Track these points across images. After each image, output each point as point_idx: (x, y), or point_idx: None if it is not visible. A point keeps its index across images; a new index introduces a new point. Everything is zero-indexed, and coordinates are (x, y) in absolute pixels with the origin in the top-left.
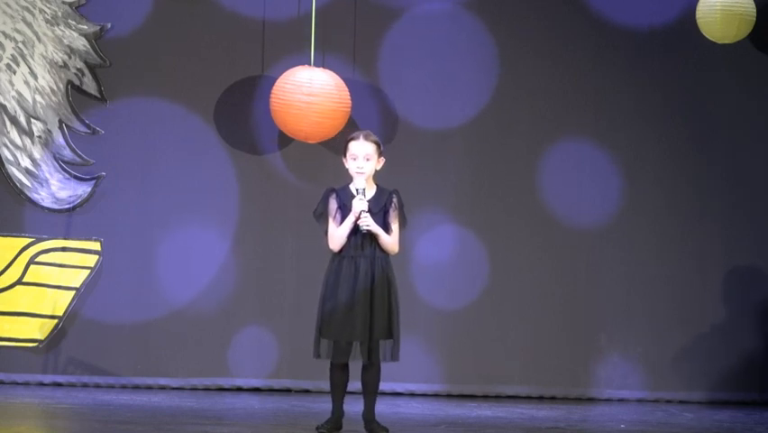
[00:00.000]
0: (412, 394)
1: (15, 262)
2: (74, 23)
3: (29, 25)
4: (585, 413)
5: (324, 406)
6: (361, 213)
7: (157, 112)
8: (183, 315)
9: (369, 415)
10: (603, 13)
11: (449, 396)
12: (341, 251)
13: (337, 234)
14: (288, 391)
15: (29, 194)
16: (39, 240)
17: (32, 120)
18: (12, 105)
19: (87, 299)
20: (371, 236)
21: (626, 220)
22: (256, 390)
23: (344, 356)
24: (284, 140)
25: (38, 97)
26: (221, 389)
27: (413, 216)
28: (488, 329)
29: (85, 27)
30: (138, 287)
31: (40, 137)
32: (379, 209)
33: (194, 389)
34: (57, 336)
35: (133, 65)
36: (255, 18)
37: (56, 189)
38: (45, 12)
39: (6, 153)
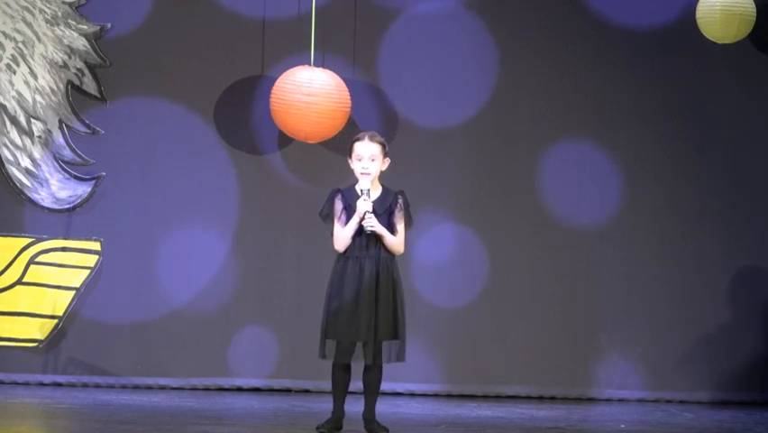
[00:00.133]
0: (412, 394)
1: (15, 262)
2: (74, 23)
3: (29, 25)
4: (585, 413)
5: (324, 406)
6: (365, 214)
7: (157, 112)
8: (183, 315)
9: (369, 415)
10: (603, 14)
11: (449, 396)
12: (346, 252)
13: (342, 235)
14: (288, 391)
15: (29, 194)
16: (39, 240)
17: (32, 120)
18: (12, 105)
19: (87, 299)
20: (376, 237)
21: (626, 220)
22: (256, 390)
23: (347, 357)
24: (284, 140)
25: (38, 97)
26: (221, 389)
27: (413, 215)
28: (488, 329)
29: (85, 27)
30: (138, 287)
31: (40, 137)
32: (384, 210)
33: (194, 389)
34: (57, 336)
35: (133, 65)
36: (255, 18)
37: (56, 189)
38: (45, 12)
39: (6, 153)
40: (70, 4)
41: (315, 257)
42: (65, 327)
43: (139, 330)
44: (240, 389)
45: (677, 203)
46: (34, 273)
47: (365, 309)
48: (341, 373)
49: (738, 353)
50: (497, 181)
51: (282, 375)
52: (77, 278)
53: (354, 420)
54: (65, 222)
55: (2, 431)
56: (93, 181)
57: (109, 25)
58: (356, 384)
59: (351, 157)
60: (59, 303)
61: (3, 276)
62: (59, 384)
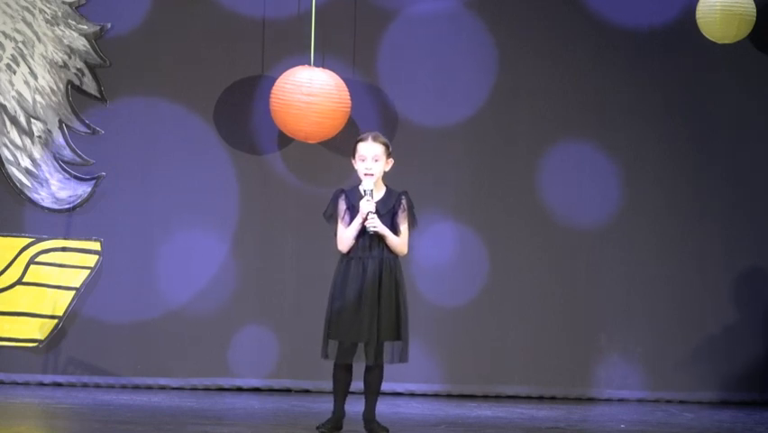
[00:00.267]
0: (412, 394)
1: (15, 262)
2: (74, 22)
3: (29, 25)
4: (585, 413)
5: (324, 406)
6: (368, 214)
7: (157, 112)
8: (183, 315)
9: (369, 415)
10: (603, 14)
11: (449, 396)
12: (349, 252)
13: (345, 236)
14: (288, 391)
15: (29, 194)
16: (39, 240)
17: (32, 120)
18: (12, 105)
19: (87, 299)
20: (379, 237)
21: (626, 220)
22: (256, 390)
23: (349, 357)
24: (284, 140)
25: (38, 97)
26: (221, 389)
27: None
28: (488, 329)
29: (85, 27)
30: (138, 287)
31: (40, 137)
32: (387, 211)
33: (194, 389)
34: (57, 336)
35: (133, 65)
36: (255, 18)
37: (56, 189)
38: (45, 12)
39: (6, 153)
40: (70, 4)
41: (315, 257)
42: (65, 326)
43: (139, 330)
44: (240, 389)
45: (677, 203)
46: (34, 273)
47: (367, 310)
48: (342, 373)
49: (738, 353)
50: (497, 181)
51: (282, 375)
52: (77, 278)
53: (354, 420)
54: (65, 222)
55: (2, 431)
56: (93, 181)
57: (109, 25)
58: (356, 384)
59: (354, 157)
60: (59, 303)
61: (3, 276)
62: (59, 384)
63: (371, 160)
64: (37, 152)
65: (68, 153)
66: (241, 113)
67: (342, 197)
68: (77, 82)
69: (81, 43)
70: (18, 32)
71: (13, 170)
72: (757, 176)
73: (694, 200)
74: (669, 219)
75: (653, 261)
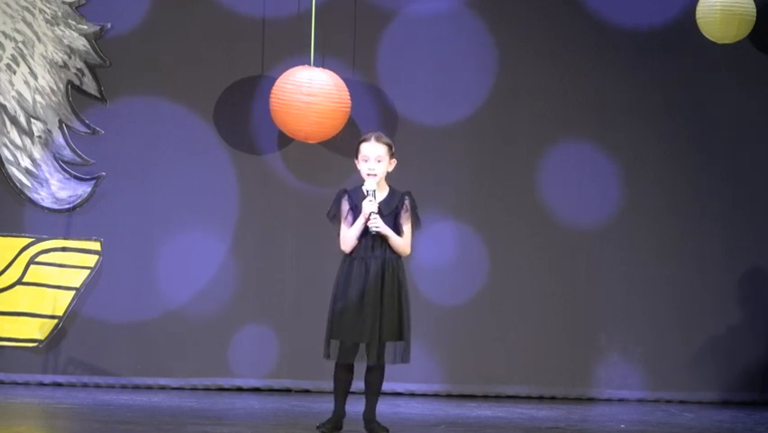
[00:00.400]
0: (412, 394)
1: (15, 262)
2: (74, 23)
3: (29, 25)
4: (585, 413)
5: (324, 406)
6: (370, 214)
7: (157, 112)
8: (183, 315)
9: (369, 415)
10: (603, 14)
11: (449, 396)
12: (352, 252)
13: (348, 236)
14: (288, 391)
15: (29, 194)
16: (39, 240)
17: (32, 120)
18: (12, 105)
19: (87, 298)
20: (382, 238)
21: (626, 220)
22: (256, 390)
23: (350, 357)
24: (284, 140)
25: (38, 97)
26: (221, 389)
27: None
28: (488, 329)
29: (85, 27)
30: (138, 287)
31: (40, 137)
32: (390, 211)
33: (194, 389)
34: (57, 336)
35: (133, 65)
36: (255, 18)
37: (56, 189)
38: (45, 12)
39: (6, 153)
40: (70, 4)
41: (315, 257)
42: (65, 326)
43: (139, 330)
44: (240, 389)
45: (677, 203)
46: (34, 273)
47: (369, 310)
48: (343, 373)
49: (739, 353)
50: (497, 181)
51: (282, 375)
52: (77, 278)
53: (354, 420)
54: (65, 222)
55: (2, 431)
56: (93, 181)
57: (109, 25)
58: (357, 384)
59: (357, 158)
60: (59, 303)
61: (3, 276)
62: (59, 384)
63: (374, 160)
64: (37, 152)
65: (68, 153)
66: (241, 113)
67: (346, 197)
68: (77, 82)
69: (81, 43)
70: (18, 32)
71: (13, 170)
72: (757, 176)
73: (694, 200)
74: (669, 219)
75: (653, 261)
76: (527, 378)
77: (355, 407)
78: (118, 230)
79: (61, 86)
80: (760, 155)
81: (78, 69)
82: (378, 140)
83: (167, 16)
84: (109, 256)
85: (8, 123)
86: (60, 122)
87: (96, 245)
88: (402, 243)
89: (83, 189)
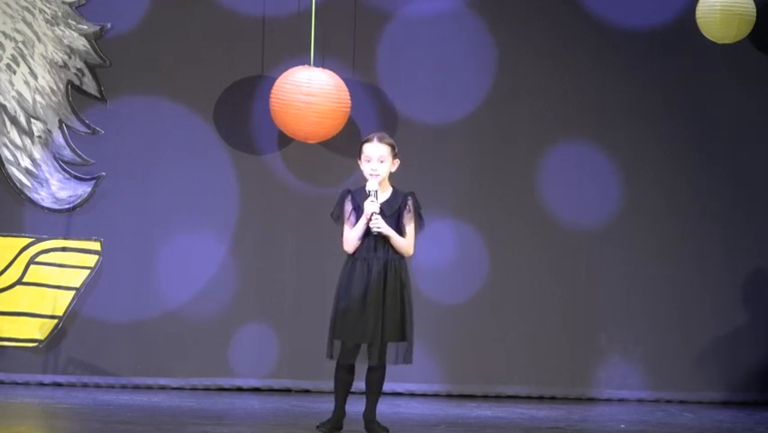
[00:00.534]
0: (412, 394)
1: (15, 262)
2: (74, 23)
3: (29, 25)
4: (585, 413)
5: (324, 406)
6: (372, 215)
7: (157, 112)
8: (183, 315)
9: (369, 415)
10: (603, 14)
11: (449, 396)
12: (355, 253)
13: (350, 236)
14: (288, 391)
15: (29, 194)
16: (39, 240)
17: (32, 120)
18: (12, 105)
19: (87, 298)
20: (384, 238)
21: (626, 220)
22: (256, 390)
23: (352, 357)
24: (284, 140)
25: (38, 97)
26: (221, 389)
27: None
28: (488, 329)
29: (85, 27)
30: (138, 287)
31: (40, 137)
32: (392, 212)
33: (194, 389)
34: (57, 336)
35: (133, 65)
36: (255, 18)
37: (56, 189)
38: (45, 12)
39: (6, 153)
40: (70, 4)
41: (315, 257)
42: (65, 326)
43: (139, 330)
44: (240, 389)
45: (677, 203)
46: (34, 273)
47: (372, 311)
48: (344, 373)
49: (739, 353)
50: (497, 181)
51: (282, 375)
52: (77, 278)
53: (354, 420)
54: (65, 222)
55: (2, 431)
56: (93, 181)
57: (109, 25)
58: (357, 384)
59: (360, 158)
60: (59, 303)
61: (3, 276)
62: (59, 384)
63: (377, 161)
64: (37, 152)
65: (68, 153)
66: (241, 113)
67: (349, 197)
68: (77, 82)
69: (81, 43)
70: (18, 32)
71: (13, 170)
72: (757, 176)
73: (694, 200)
74: (669, 219)
75: (653, 261)
76: (527, 378)
77: (355, 407)
78: (118, 230)
79: (61, 86)
80: (760, 155)
81: (78, 69)
82: (381, 140)
83: (167, 16)
84: (109, 256)
85: (8, 123)
86: (60, 122)
87: (96, 245)
88: (405, 243)
89: (83, 189)
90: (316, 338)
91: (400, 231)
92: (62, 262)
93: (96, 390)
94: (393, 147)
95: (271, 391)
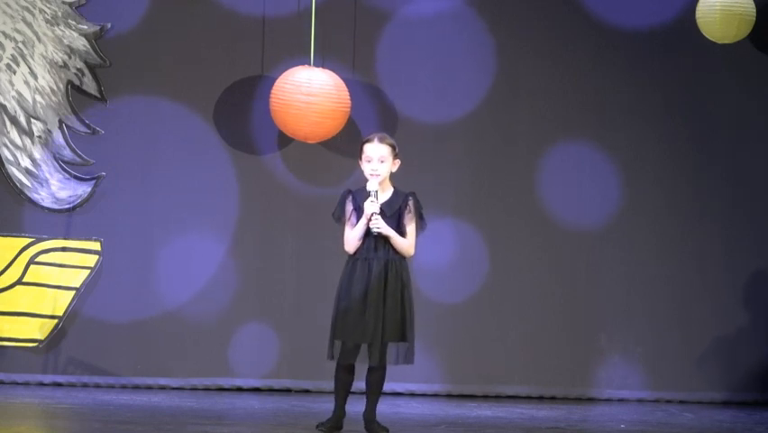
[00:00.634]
0: (412, 394)
1: (15, 262)
2: (74, 23)
3: (29, 25)
4: (585, 413)
5: (324, 406)
6: (372, 215)
7: (157, 112)
8: (183, 315)
9: (370, 415)
10: (603, 14)
11: (449, 396)
12: (355, 253)
13: (351, 237)
14: (288, 391)
15: (29, 194)
16: (39, 240)
17: (32, 120)
18: (12, 105)
19: (87, 298)
20: (385, 239)
21: (626, 220)
22: (256, 390)
23: (352, 357)
24: (284, 140)
25: (38, 97)
26: (221, 389)
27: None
28: (488, 329)
29: (85, 27)
30: (138, 287)
31: (40, 137)
32: (393, 212)
33: (194, 389)
34: (57, 336)
35: (133, 65)
36: (255, 18)
37: (56, 189)
38: (45, 12)
39: (6, 153)
40: (70, 4)
41: (315, 257)
42: (65, 326)
43: (139, 330)
44: (240, 389)
45: (677, 203)
46: (34, 273)
47: (372, 311)
48: (344, 373)
49: (739, 353)
50: (497, 181)
51: (282, 375)
52: (77, 278)
53: (354, 420)
54: (65, 222)
55: (2, 431)
56: (93, 181)
57: (109, 25)
58: (358, 384)
59: (361, 158)
60: (59, 303)
61: (3, 276)
62: (59, 384)
63: (377, 161)
64: (37, 152)
65: (68, 153)
66: (241, 113)
67: (350, 198)
68: (77, 82)
69: (81, 43)
70: (18, 32)
71: (13, 170)
72: (757, 176)
73: (694, 200)
74: (669, 219)
75: (653, 261)
76: (527, 378)
77: (355, 407)
78: (118, 230)
79: (61, 86)
80: (760, 155)
81: (78, 69)
82: (381, 140)
83: (167, 16)
84: (109, 256)
85: (8, 123)
86: (60, 122)
87: (96, 245)
88: (405, 243)
89: (83, 189)
90: (316, 338)
91: (401, 231)
92: (62, 262)
93: (96, 390)
94: (394, 147)
95: (271, 391)
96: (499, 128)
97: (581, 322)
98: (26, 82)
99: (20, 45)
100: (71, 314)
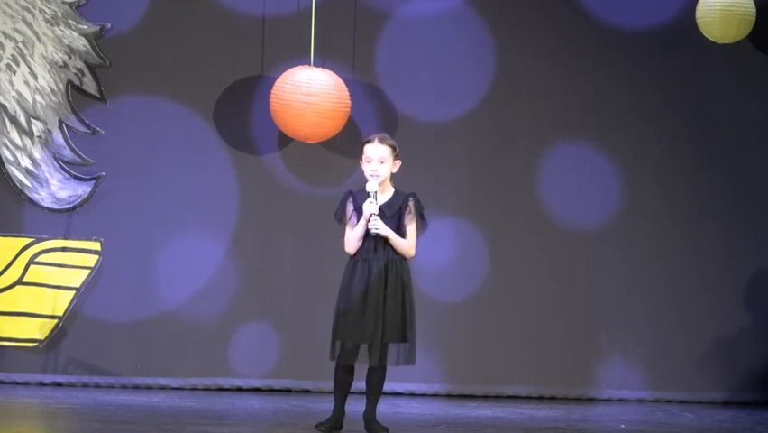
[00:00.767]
0: (412, 394)
1: (15, 262)
2: (74, 23)
3: (29, 25)
4: (585, 413)
5: (324, 406)
6: (370, 216)
7: (157, 112)
8: (183, 315)
9: (370, 415)
10: (603, 14)
11: (449, 396)
12: (356, 254)
13: (350, 237)
14: (288, 391)
15: (29, 194)
16: (39, 240)
17: (32, 120)
18: (12, 105)
19: (87, 298)
20: (385, 239)
21: (626, 220)
22: (256, 390)
23: (351, 358)
24: (284, 140)
25: (38, 97)
26: (221, 389)
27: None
28: (488, 329)
29: (85, 27)
30: (138, 287)
31: (40, 137)
32: (392, 213)
33: (194, 389)
34: (57, 336)
35: (133, 65)
36: (255, 18)
37: (56, 189)
38: (45, 12)
39: (6, 153)
40: (70, 4)
41: (315, 257)
42: (65, 326)
43: (139, 330)
44: (240, 389)
45: (677, 203)
46: (34, 273)
47: (372, 311)
48: (343, 373)
49: (739, 353)
50: (497, 181)
51: (282, 375)
52: (77, 278)
53: (354, 420)
54: (65, 222)
55: (2, 431)
56: (93, 181)
57: (109, 25)
58: (358, 384)
59: (361, 159)
60: (59, 303)
61: (3, 276)
62: (59, 384)
63: (377, 161)
64: (37, 152)
65: (68, 153)
66: (241, 113)
67: (350, 198)
68: (77, 82)
69: (81, 43)
70: (18, 32)
71: (13, 170)
72: (757, 176)
73: (694, 200)
74: (669, 219)
75: (653, 261)
76: (527, 378)
77: (355, 407)
78: (118, 230)
79: (61, 86)
80: (760, 155)
81: (78, 69)
82: (381, 141)
83: (167, 16)
84: (109, 256)
85: (8, 123)
86: (60, 122)
87: (96, 245)
88: (405, 244)
89: (83, 189)
90: (316, 338)
91: (402, 232)
92: (62, 262)
93: (96, 390)
94: (394, 148)
95: (271, 391)
96: (499, 128)
97: (581, 322)
98: (26, 82)
99: (20, 45)
100: (71, 314)
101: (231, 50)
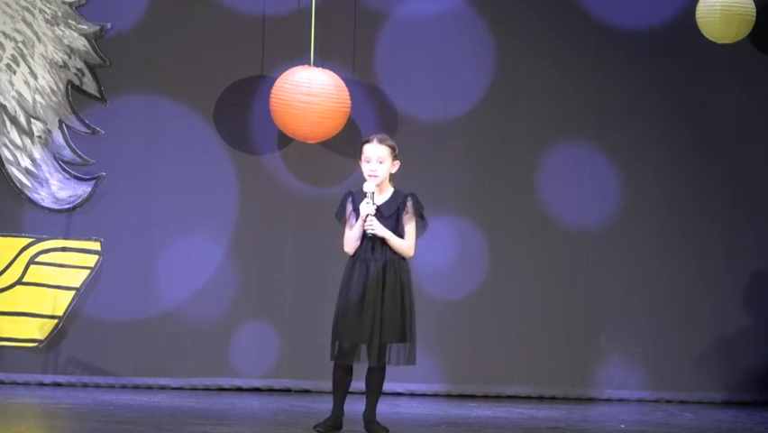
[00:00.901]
0: (412, 394)
1: (15, 262)
2: (74, 23)
3: (29, 25)
4: (585, 413)
5: (324, 406)
6: (367, 216)
7: (157, 112)
8: (183, 315)
9: (369, 415)
10: (603, 14)
11: (449, 396)
12: (354, 254)
13: (348, 238)
14: (288, 391)
15: (29, 194)
16: (39, 240)
17: (32, 120)
18: (12, 105)
19: (87, 298)
20: (383, 240)
21: (626, 220)
22: (256, 390)
23: (349, 358)
24: (284, 140)
25: (38, 97)
26: (221, 389)
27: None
28: (488, 329)
29: (85, 27)
30: (138, 287)
31: (40, 137)
32: (391, 213)
33: (194, 389)
34: (57, 336)
35: (133, 65)
36: (255, 18)
37: (56, 189)
38: (45, 12)
39: (6, 153)
40: (70, 4)
41: (315, 257)
42: (65, 326)
43: (139, 330)
44: (240, 389)
45: (677, 203)
46: (34, 273)
47: (369, 312)
48: (341, 373)
49: (738, 353)
50: (497, 181)
51: (282, 375)
52: (77, 278)
53: (354, 420)
54: (65, 222)
55: (2, 431)
56: (93, 181)
57: (109, 25)
58: (357, 384)
59: (360, 159)
60: (59, 303)
61: (3, 276)
62: (59, 384)
63: (376, 161)
64: (37, 152)
65: (68, 153)
66: (241, 113)
67: (350, 199)
68: (77, 82)
69: (81, 43)
70: (18, 32)
71: (13, 170)
72: (757, 176)
73: (694, 200)
74: (669, 219)
75: (653, 261)
76: (527, 378)
77: (355, 407)
78: (118, 230)
79: (61, 86)
80: (760, 155)
81: (78, 69)
82: (380, 141)
83: (167, 16)
84: (109, 256)
85: (8, 123)
86: (60, 122)
87: (96, 245)
88: (404, 244)
89: (83, 189)
90: (316, 338)
91: (400, 232)
92: (62, 262)
93: (96, 390)
94: (393, 149)
95: (271, 391)
96: (499, 128)
97: (581, 322)
98: (26, 82)
99: (20, 45)
100: (71, 314)
101: (231, 50)
